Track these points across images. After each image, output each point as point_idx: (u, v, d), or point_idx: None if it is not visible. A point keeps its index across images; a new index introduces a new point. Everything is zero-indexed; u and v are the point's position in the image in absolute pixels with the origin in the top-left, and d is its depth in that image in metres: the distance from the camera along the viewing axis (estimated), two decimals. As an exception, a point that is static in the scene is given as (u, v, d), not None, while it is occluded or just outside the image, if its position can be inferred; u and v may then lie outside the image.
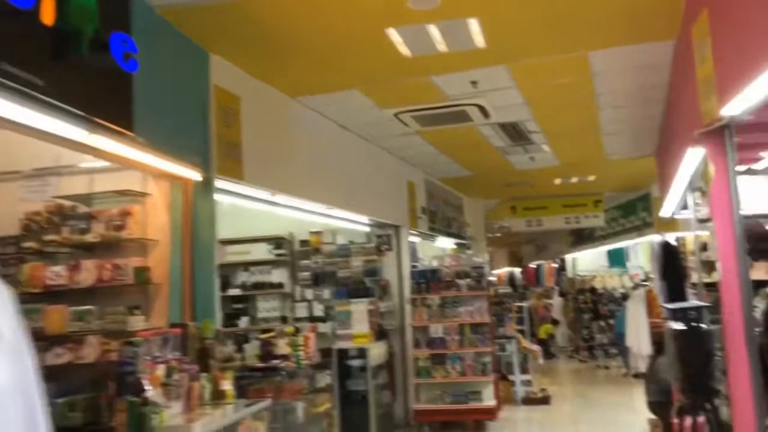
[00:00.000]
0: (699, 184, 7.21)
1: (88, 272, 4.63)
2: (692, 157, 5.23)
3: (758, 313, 4.23)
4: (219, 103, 5.07)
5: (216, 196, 5.20)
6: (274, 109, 6.10)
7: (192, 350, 4.19)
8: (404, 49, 5.17)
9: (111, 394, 3.60)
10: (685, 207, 8.95)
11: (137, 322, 4.50)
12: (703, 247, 7.49)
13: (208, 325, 4.35)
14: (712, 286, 7.20)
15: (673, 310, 6.26)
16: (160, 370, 3.70)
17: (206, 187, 4.84)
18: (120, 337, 4.11)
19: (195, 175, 4.69)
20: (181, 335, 4.10)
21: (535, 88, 6.47)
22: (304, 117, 6.66)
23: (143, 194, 4.84)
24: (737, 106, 3.77)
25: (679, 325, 5.75)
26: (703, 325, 5.57)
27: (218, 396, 4.18)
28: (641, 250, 16.33)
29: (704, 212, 7.55)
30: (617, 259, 17.14)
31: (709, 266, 7.35)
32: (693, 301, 6.38)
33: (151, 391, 3.53)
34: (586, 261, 18.37)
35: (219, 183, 5.15)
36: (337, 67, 5.60)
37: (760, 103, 3.74)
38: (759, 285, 4.42)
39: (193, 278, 4.68)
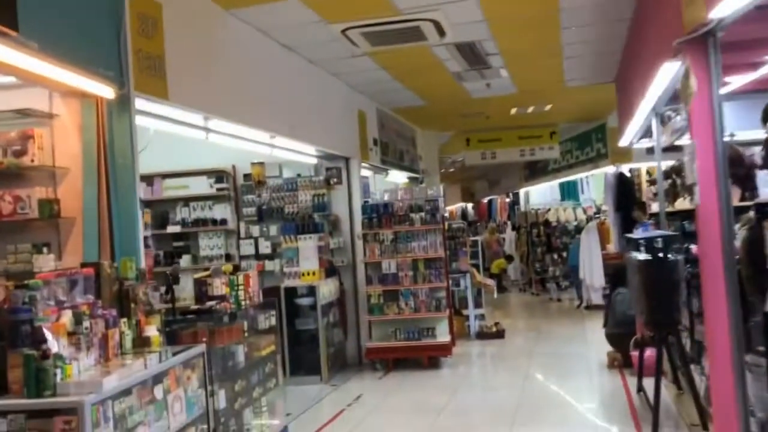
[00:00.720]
0: (664, 109, 6.88)
1: (-16, 205, 3.98)
2: (666, 74, 4.81)
3: (738, 241, 3.91)
4: (135, 8, 4.36)
5: (139, 120, 4.56)
6: (204, 21, 5.38)
7: (108, 293, 3.64)
8: (351, -51, 4.52)
9: (5, 347, 3.04)
10: (644, 136, 8.67)
11: (46, 262, 3.92)
12: (667, 175, 7.21)
13: (128, 264, 3.78)
14: (674, 216, 6.98)
15: (637, 241, 5.98)
16: (66, 317, 3.15)
17: (123, 106, 4.19)
18: (27, 279, 3.52)
19: (107, 92, 4.03)
20: (94, 276, 3.53)
21: (495, 2, 5.90)
22: (241, 33, 5.96)
23: (49, 115, 4.17)
24: (728, 5, 3.32)
25: (643, 256, 5.47)
26: (669, 256, 5.30)
27: (142, 343, 3.66)
28: (593, 183, 16.24)
29: (667, 139, 7.25)
30: (570, 192, 17.04)
31: (672, 195, 7.10)
32: (658, 231, 6.10)
33: (53, 342, 2.98)
34: (539, 195, 18.23)
35: (140, 103, 4.51)
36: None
37: (752, 3, 3.30)
38: (736, 212, 4.09)
39: (110, 211, 4.08)
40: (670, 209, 6.99)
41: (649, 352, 6.49)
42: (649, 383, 6.18)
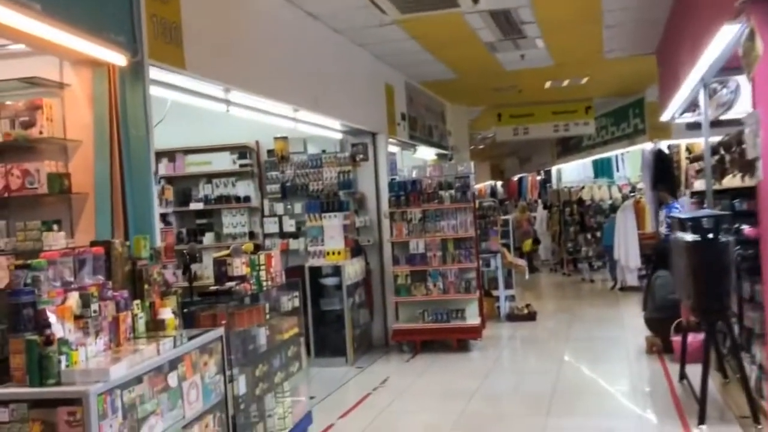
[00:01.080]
0: (710, 80, 6.44)
1: (-9, 180, 3.77)
2: (723, 38, 4.41)
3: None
4: (149, -30, 4.09)
5: (154, 91, 4.32)
6: (223, -13, 5.10)
7: (120, 273, 3.42)
8: None
9: (6, 331, 2.84)
10: (686, 110, 8.21)
11: (57, 240, 3.70)
12: (714, 151, 6.79)
13: (141, 242, 3.55)
14: (721, 194, 6.56)
15: (683, 220, 5.61)
16: (73, 300, 2.93)
17: (136, 74, 3.94)
18: (36, 258, 3.31)
19: (119, 59, 3.78)
20: (105, 255, 3.31)
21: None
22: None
23: (59, 84, 3.93)
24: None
25: (691, 237, 5.11)
26: (720, 237, 4.93)
27: (156, 327, 3.44)
28: (629, 160, 15.71)
29: (712, 113, 6.81)
30: (604, 169, 16.54)
31: (720, 172, 6.68)
32: (707, 210, 5.71)
33: (58, 326, 2.77)
34: (571, 172, 17.75)
35: (155, 73, 4.26)
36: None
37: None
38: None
39: (123, 187, 3.86)
40: (717, 187, 6.57)
41: (692, 338, 6.15)
42: (692, 370, 5.86)
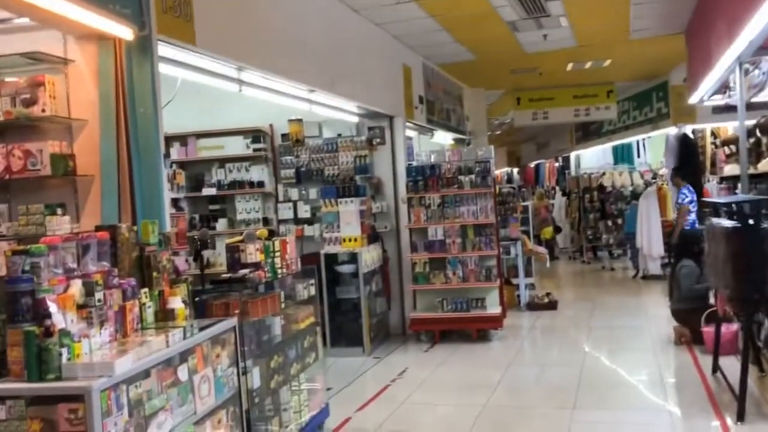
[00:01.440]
0: (746, 59, 6.12)
1: (-8, 160, 3.58)
2: (766, 13, 4.12)
3: None
4: (156, -62, 3.86)
5: (164, 68, 4.11)
6: (236, -41, 4.86)
7: (127, 260, 3.21)
8: None
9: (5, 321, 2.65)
10: (715, 92, 7.89)
11: (61, 224, 3.51)
12: (750, 134, 6.49)
13: (149, 227, 3.35)
14: (756, 179, 6.28)
15: (719, 206, 5.34)
16: (75, 288, 2.73)
17: (143, 49, 3.72)
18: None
19: (125, 32, 3.56)
20: (110, 241, 3.11)
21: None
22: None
23: (63, 60, 3.72)
24: None
25: (729, 223, 4.83)
26: (761, 223, 4.65)
27: (166, 317, 3.24)
28: (650, 145, 15.36)
29: (747, 95, 6.50)
30: (624, 155, 16.19)
31: (756, 155, 6.40)
32: (745, 195, 5.43)
33: (59, 317, 2.57)
34: (590, 159, 17.39)
35: (164, 50, 4.05)
36: None
37: None
38: None
39: (131, 168, 3.65)
40: (751, 171, 6.28)
41: (724, 329, 5.89)
42: (723, 363, 5.60)
